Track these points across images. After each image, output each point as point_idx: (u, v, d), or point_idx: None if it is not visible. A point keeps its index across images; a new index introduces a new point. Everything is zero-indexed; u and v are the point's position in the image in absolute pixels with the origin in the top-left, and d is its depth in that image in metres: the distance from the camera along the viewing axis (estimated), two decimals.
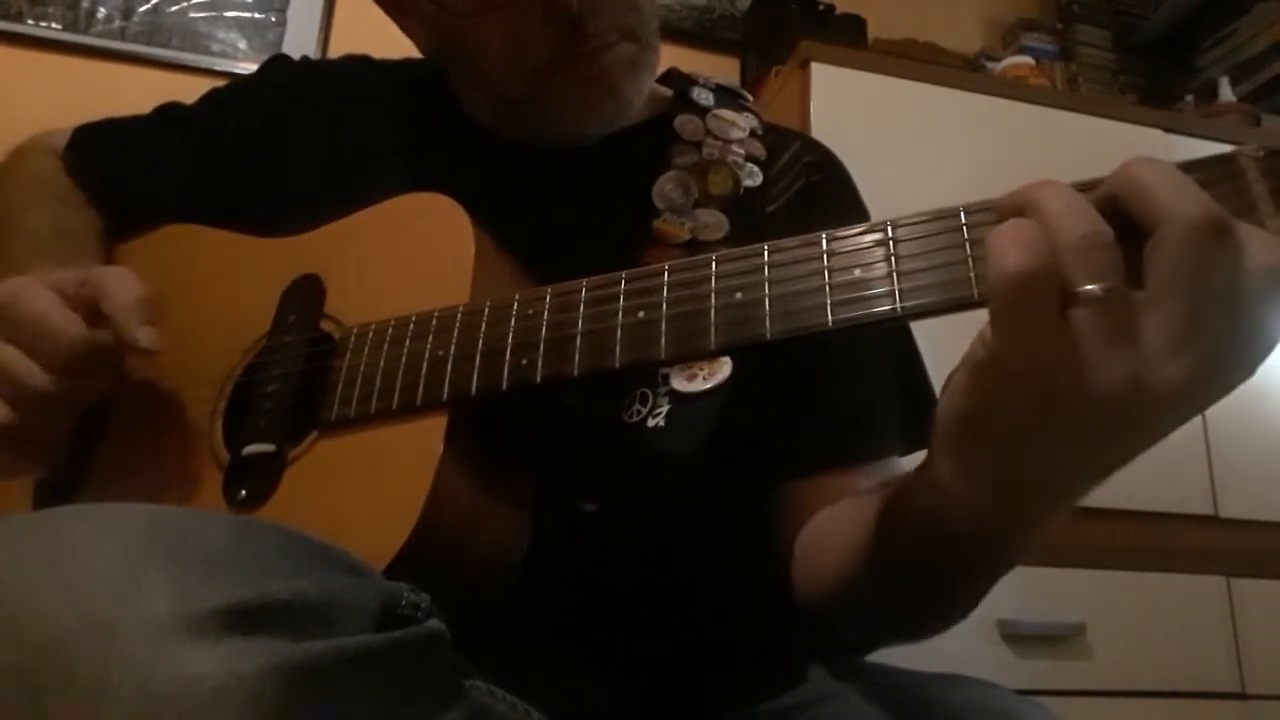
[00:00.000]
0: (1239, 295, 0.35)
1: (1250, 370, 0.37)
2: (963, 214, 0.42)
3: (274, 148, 0.78)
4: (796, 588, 0.66)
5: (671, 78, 0.81)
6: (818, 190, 0.76)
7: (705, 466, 0.58)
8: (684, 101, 0.77)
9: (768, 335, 0.45)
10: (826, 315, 0.43)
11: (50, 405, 0.58)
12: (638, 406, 0.59)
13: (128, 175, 0.80)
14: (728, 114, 0.76)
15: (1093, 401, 0.36)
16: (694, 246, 0.67)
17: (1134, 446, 0.39)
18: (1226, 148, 0.40)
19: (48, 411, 0.58)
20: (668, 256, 0.64)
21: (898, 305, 0.42)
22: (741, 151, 0.73)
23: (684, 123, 0.74)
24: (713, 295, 0.47)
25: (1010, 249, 0.36)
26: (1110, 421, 0.37)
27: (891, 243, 0.43)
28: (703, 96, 0.78)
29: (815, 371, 0.69)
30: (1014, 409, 0.38)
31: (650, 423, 0.58)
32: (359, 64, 0.87)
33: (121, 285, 0.59)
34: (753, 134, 0.76)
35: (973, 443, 0.41)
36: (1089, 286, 0.35)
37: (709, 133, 0.74)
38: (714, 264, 0.48)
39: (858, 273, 0.43)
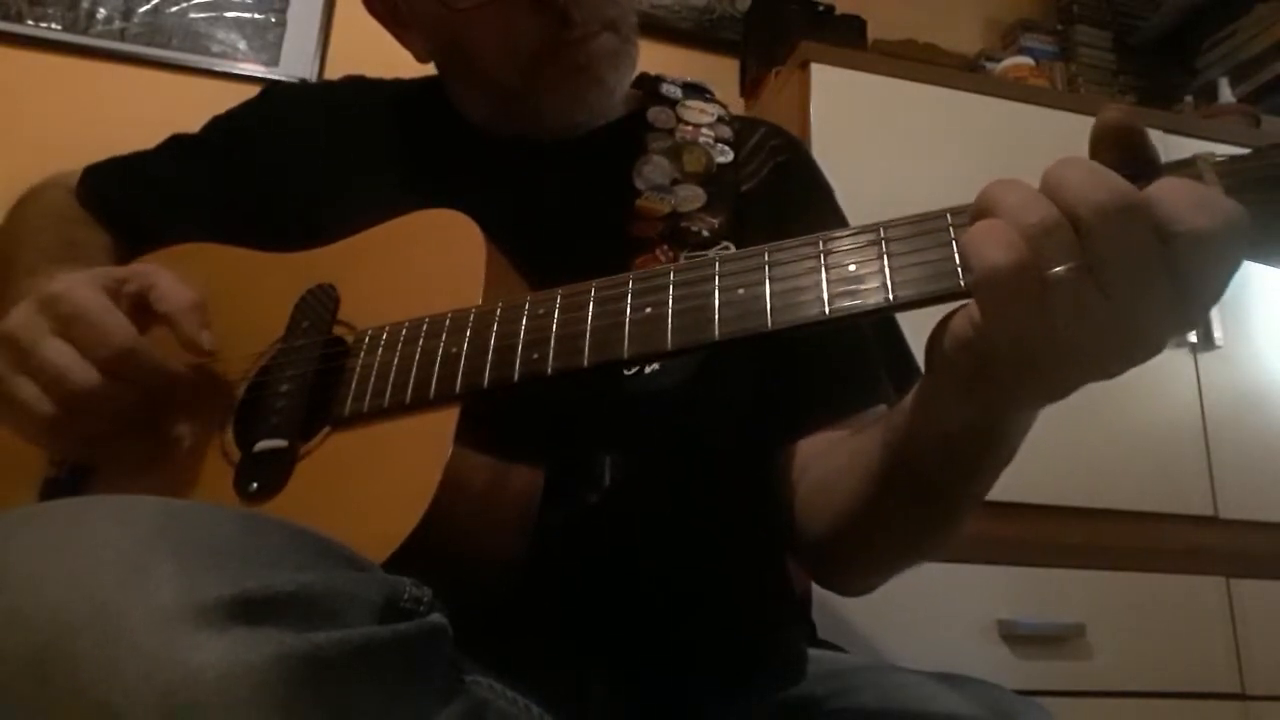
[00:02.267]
0: (1168, 258, 0.39)
1: (1200, 315, 0.41)
2: (949, 215, 0.45)
3: (277, 169, 0.81)
4: (808, 529, 0.68)
5: (640, 79, 0.87)
6: (787, 169, 0.82)
7: (705, 418, 0.62)
8: (654, 97, 0.85)
9: (769, 326, 0.47)
10: (824, 306, 0.46)
11: (93, 404, 0.58)
12: None
13: (138, 200, 0.83)
14: (695, 104, 0.84)
15: (1067, 356, 0.42)
16: (675, 218, 0.73)
17: (1103, 374, 0.43)
18: (1226, 148, 0.42)
19: (90, 410, 0.59)
20: (654, 229, 0.72)
21: (890, 296, 0.45)
22: (711, 134, 0.81)
23: (656, 113, 0.82)
24: (716, 292, 0.50)
25: (990, 247, 0.39)
26: (1080, 369, 0.43)
27: (884, 242, 0.46)
28: (671, 91, 0.86)
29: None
30: (1001, 370, 0.43)
31: (647, 370, 0.63)
32: (353, 84, 0.92)
33: (174, 288, 0.62)
34: (720, 120, 0.83)
35: (968, 387, 0.46)
36: (1057, 269, 0.39)
37: (679, 120, 0.82)
38: (717, 264, 0.50)
39: (853, 268, 0.46)
